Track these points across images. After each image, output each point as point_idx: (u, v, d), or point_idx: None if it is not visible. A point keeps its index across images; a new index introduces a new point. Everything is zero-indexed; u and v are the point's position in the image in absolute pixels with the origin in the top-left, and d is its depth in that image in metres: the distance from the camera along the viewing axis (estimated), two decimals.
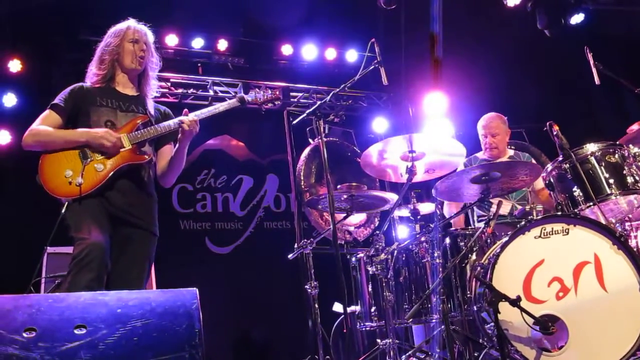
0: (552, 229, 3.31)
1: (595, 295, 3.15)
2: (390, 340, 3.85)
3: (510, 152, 5.11)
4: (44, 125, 3.23)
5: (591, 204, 3.61)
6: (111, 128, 3.25)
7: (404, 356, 3.88)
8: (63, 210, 3.09)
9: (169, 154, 3.53)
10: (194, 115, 3.40)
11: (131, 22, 3.50)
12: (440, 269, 3.84)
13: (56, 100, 3.32)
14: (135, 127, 3.29)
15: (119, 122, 3.30)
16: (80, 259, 2.88)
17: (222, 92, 7.98)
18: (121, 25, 3.48)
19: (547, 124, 3.74)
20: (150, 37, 3.53)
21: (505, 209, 4.70)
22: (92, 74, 3.42)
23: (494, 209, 3.73)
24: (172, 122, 3.37)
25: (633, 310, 3.10)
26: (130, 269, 3.18)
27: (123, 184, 3.21)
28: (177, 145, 3.45)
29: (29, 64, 6.84)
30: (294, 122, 4.79)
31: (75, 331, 1.96)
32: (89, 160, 3.13)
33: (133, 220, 3.22)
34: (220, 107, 3.59)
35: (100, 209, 3.11)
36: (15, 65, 6.75)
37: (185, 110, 3.43)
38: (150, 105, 3.52)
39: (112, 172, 3.14)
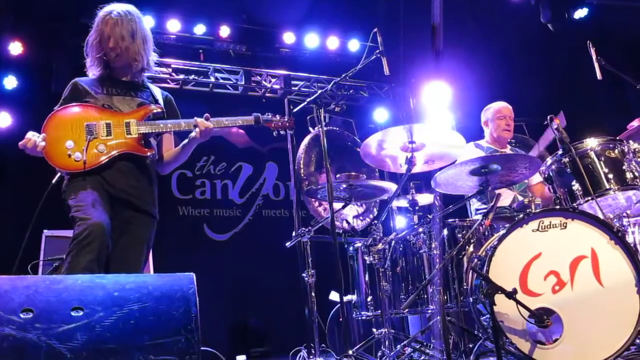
0: (550, 222, 3.31)
1: (591, 290, 3.16)
2: (386, 329, 3.87)
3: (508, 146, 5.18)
4: None
5: (589, 198, 3.62)
6: (108, 110, 3.21)
7: (399, 346, 3.90)
8: (63, 187, 3.08)
9: (169, 141, 3.52)
10: (214, 122, 3.35)
11: (108, 10, 3.30)
12: (438, 260, 3.85)
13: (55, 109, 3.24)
14: (146, 116, 3.25)
15: (116, 106, 3.25)
16: (81, 239, 2.84)
17: (223, 79, 7.98)
18: (100, 15, 3.31)
19: (548, 117, 3.75)
20: (132, 22, 3.30)
21: (507, 200, 4.72)
22: (88, 67, 3.36)
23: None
24: (183, 122, 3.32)
25: (628, 305, 3.11)
26: (130, 251, 3.16)
27: (124, 165, 3.18)
28: (186, 141, 3.41)
29: (30, 46, 6.84)
30: (295, 110, 4.78)
31: (72, 313, 1.96)
32: (93, 136, 3.09)
33: (135, 202, 3.19)
34: (236, 121, 3.54)
35: (100, 190, 3.08)
36: (16, 48, 6.74)
37: (207, 115, 3.35)
38: (157, 92, 3.46)
39: (112, 156, 3.12)
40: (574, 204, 3.67)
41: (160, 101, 3.43)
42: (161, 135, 3.49)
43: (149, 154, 3.26)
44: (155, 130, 3.27)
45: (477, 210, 4.94)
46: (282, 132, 3.77)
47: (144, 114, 3.25)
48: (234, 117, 3.54)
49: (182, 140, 3.48)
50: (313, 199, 6.36)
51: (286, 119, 3.67)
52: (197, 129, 3.30)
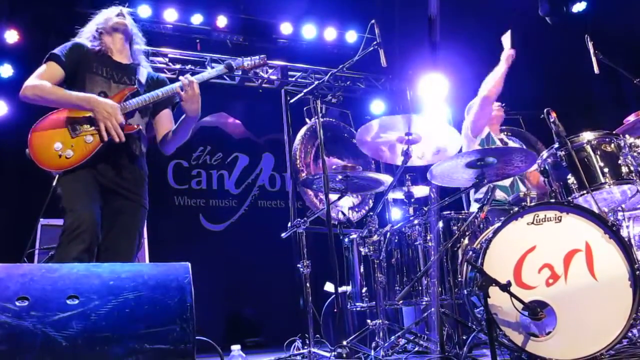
0: (545, 216, 3.32)
1: (584, 283, 3.17)
2: (380, 321, 3.88)
3: (501, 135, 5.15)
4: (45, 79, 3.16)
5: (585, 192, 3.62)
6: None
7: (393, 337, 3.92)
8: (54, 183, 3.09)
9: (168, 119, 3.53)
10: (194, 78, 3.36)
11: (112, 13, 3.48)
12: (433, 252, 3.86)
13: (57, 52, 3.26)
14: (124, 98, 3.25)
15: (112, 93, 3.27)
16: (72, 230, 2.87)
17: None
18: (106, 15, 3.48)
19: (545, 111, 3.74)
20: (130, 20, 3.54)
21: (507, 181, 4.72)
22: (90, 34, 3.41)
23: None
24: (160, 91, 3.31)
25: (621, 299, 3.13)
26: (121, 240, 3.18)
27: (114, 157, 3.20)
28: (182, 118, 3.41)
29: (25, 35, 6.81)
30: (291, 101, 4.79)
31: (68, 301, 1.97)
32: (78, 132, 3.11)
33: (124, 193, 3.22)
34: (207, 73, 3.52)
35: (91, 181, 3.10)
36: (12, 36, 6.72)
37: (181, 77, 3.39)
38: (143, 74, 3.48)
39: (101, 143, 3.13)
40: (569, 198, 3.67)
41: (143, 80, 3.45)
42: (158, 115, 3.52)
43: (135, 128, 3.27)
44: (135, 107, 3.26)
45: (476, 199, 4.94)
46: (258, 71, 3.80)
47: (121, 96, 3.26)
48: (209, 71, 3.59)
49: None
50: (309, 190, 6.36)
51: (258, 58, 3.64)
52: (181, 88, 3.28)
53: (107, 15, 3.45)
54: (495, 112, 5.06)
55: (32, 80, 3.16)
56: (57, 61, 3.23)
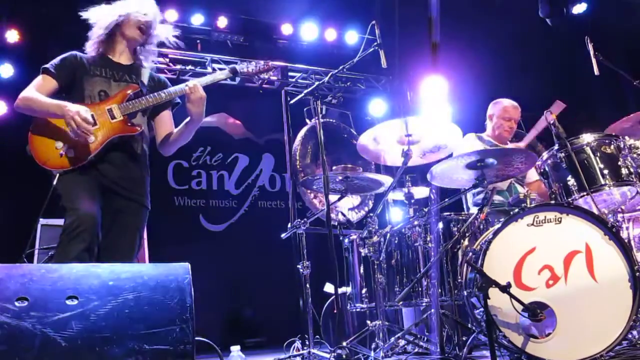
0: (545, 217, 3.32)
1: (584, 285, 3.17)
2: (380, 322, 3.88)
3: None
4: (37, 89, 3.15)
5: (584, 193, 3.63)
6: (104, 98, 3.22)
7: (393, 338, 3.91)
8: (54, 182, 3.09)
9: (168, 120, 3.53)
10: (198, 81, 3.36)
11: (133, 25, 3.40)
12: (433, 253, 3.86)
13: (49, 66, 3.24)
14: (126, 98, 3.24)
15: (112, 92, 3.26)
16: (72, 229, 2.87)
17: (220, 69, 7.93)
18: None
19: (545, 112, 3.75)
20: (158, 14, 3.51)
21: (504, 184, 4.72)
22: (93, 41, 3.37)
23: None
24: (163, 92, 3.31)
25: (621, 300, 3.13)
26: (121, 240, 3.18)
27: (115, 157, 3.20)
28: (187, 119, 3.40)
29: (26, 35, 6.82)
30: (292, 101, 4.78)
31: (67, 302, 1.97)
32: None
33: (125, 193, 3.21)
34: (212, 77, 3.49)
35: (92, 180, 3.10)
36: (12, 36, 6.72)
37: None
38: (145, 75, 3.47)
39: (103, 144, 3.12)
40: (569, 199, 3.68)
41: (145, 81, 3.44)
42: (159, 116, 3.51)
43: (138, 130, 3.26)
44: (138, 108, 3.25)
45: (475, 203, 4.93)
46: (263, 76, 3.79)
47: (123, 96, 3.25)
48: (213, 74, 3.55)
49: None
50: (309, 191, 6.36)
51: (262, 63, 3.64)
52: (188, 90, 3.29)
53: (127, 25, 3.39)
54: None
55: (25, 91, 3.16)
56: (47, 73, 3.23)
